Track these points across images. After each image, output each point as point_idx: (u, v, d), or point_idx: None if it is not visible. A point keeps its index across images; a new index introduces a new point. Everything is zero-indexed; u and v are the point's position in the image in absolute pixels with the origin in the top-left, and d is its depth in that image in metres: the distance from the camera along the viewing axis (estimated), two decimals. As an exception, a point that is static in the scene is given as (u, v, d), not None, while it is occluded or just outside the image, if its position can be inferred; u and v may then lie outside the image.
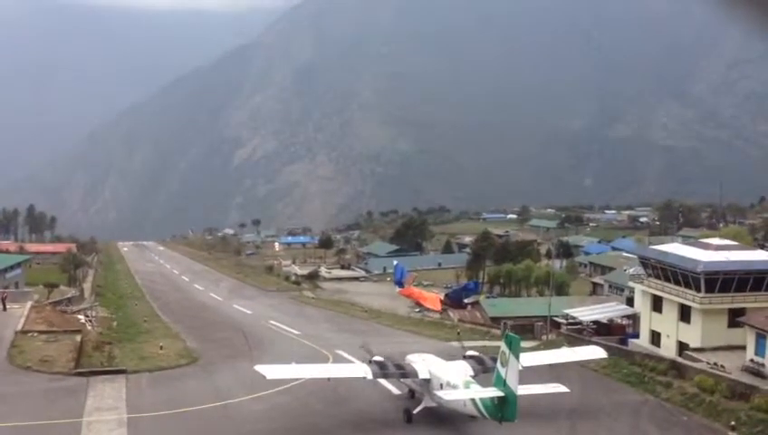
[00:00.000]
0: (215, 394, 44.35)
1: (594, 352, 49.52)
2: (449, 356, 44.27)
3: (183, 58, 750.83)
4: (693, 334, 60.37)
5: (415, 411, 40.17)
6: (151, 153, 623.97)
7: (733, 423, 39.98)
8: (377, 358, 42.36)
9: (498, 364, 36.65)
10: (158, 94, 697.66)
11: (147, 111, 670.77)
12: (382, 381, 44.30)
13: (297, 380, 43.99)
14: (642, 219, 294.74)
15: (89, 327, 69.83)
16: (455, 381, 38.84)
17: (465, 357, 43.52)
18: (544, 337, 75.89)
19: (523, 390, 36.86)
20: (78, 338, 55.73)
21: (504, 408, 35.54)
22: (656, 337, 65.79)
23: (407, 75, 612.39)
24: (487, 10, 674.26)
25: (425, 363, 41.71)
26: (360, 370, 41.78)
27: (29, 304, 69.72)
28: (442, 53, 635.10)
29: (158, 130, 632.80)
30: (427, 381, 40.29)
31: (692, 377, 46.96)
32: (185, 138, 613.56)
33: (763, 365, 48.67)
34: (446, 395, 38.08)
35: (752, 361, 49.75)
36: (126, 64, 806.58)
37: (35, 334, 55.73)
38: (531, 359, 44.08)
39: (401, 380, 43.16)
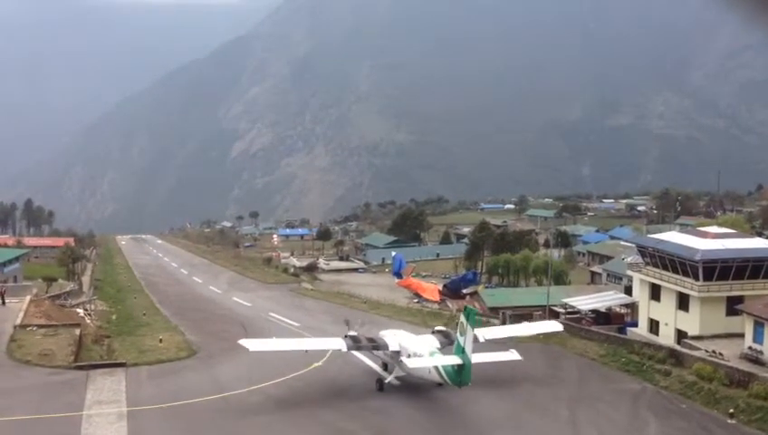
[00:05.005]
0: (214, 387, 44.38)
1: (551, 326, 54.37)
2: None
3: (180, 50, 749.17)
4: (691, 322, 60.44)
5: (386, 381, 43.60)
6: (149, 146, 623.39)
7: (731, 411, 40.10)
8: (351, 333, 45.45)
9: (458, 334, 40.29)
10: (155, 87, 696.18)
11: (144, 103, 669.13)
12: (377, 369, 46.51)
13: (294, 374, 45.76)
14: (640, 208, 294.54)
15: (88, 321, 69.87)
16: (421, 351, 42.59)
17: (433, 331, 47.23)
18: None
19: (479, 357, 41.06)
20: (77, 332, 55.74)
21: (462, 374, 39.38)
22: (654, 325, 65.86)
23: (404, 66, 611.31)
24: (485, 2, 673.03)
25: (395, 337, 45.25)
26: (335, 343, 44.60)
27: (28, 298, 69.73)
28: (439, 43, 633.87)
29: (156, 122, 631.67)
30: (397, 352, 43.64)
31: (690, 365, 47.08)
32: (182, 130, 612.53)
33: (761, 353, 48.74)
34: (411, 363, 41.83)
35: (750, 348, 49.80)
36: (123, 57, 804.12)
37: (34, 328, 55.71)
38: (492, 332, 49.32)
39: (374, 352, 46.24)
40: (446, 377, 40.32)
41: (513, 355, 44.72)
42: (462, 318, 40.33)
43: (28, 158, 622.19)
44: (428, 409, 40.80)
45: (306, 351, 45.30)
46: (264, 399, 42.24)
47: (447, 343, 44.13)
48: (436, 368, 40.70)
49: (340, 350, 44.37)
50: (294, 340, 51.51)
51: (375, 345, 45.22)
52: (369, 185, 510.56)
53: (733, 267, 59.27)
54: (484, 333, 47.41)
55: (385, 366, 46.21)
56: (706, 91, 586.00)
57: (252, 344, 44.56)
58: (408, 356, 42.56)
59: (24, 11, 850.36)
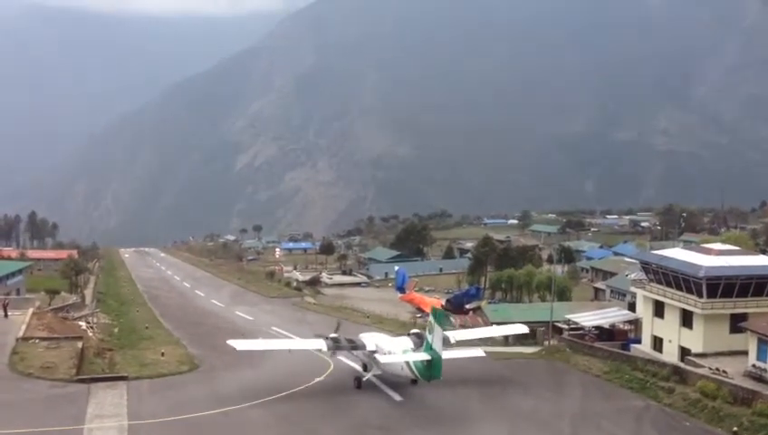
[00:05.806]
0: (215, 401, 44.29)
1: (517, 329, 59.49)
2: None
3: (184, 63, 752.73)
4: (695, 340, 60.20)
5: (364, 379, 46.74)
6: (153, 159, 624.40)
7: (735, 429, 39.90)
8: (332, 335, 48.55)
9: (427, 333, 43.83)
10: (159, 100, 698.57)
11: (148, 116, 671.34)
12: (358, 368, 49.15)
13: (295, 389, 46.39)
14: (643, 224, 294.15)
15: (90, 334, 69.68)
16: (395, 350, 46.35)
17: (409, 334, 50.33)
18: (546, 343, 75.66)
19: (449, 354, 44.89)
20: (79, 345, 55.59)
21: (431, 368, 42.69)
22: (658, 342, 65.61)
23: (407, 81, 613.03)
24: (488, 16, 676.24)
25: (373, 339, 49.24)
26: (317, 344, 47.94)
27: (30, 310, 69.56)
28: (442, 58, 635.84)
29: (160, 135, 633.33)
30: (374, 352, 46.87)
31: (694, 382, 46.89)
32: (186, 143, 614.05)
33: (765, 370, 48.47)
34: (384, 359, 45.60)
35: (754, 366, 49.55)
36: (127, 70, 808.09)
37: (37, 341, 55.61)
38: (461, 334, 53.67)
39: (353, 352, 49.15)
40: (416, 372, 43.78)
41: (478, 352, 49.11)
42: (430, 318, 43.85)
43: (32, 170, 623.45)
44: (432, 422, 40.65)
45: (290, 351, 48.86)
46: (265, 413, 42.13)
47: (420, 343, 46.59)
48: (408, 363, 44.19)
49: (321, 350, 47.91)
50: (279, 340, 57.13)
51: (354, 346, 48.68)
52: (372, 199, 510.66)
53: (736, 285, 59.10)
54: (455, 335, 51.40)
55: (365, 366, 48.51)
56: (710, 107, 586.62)
57: (239, 344, 48.06)
58: (383, 354, 46.28)
59: (30, 24, 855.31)
